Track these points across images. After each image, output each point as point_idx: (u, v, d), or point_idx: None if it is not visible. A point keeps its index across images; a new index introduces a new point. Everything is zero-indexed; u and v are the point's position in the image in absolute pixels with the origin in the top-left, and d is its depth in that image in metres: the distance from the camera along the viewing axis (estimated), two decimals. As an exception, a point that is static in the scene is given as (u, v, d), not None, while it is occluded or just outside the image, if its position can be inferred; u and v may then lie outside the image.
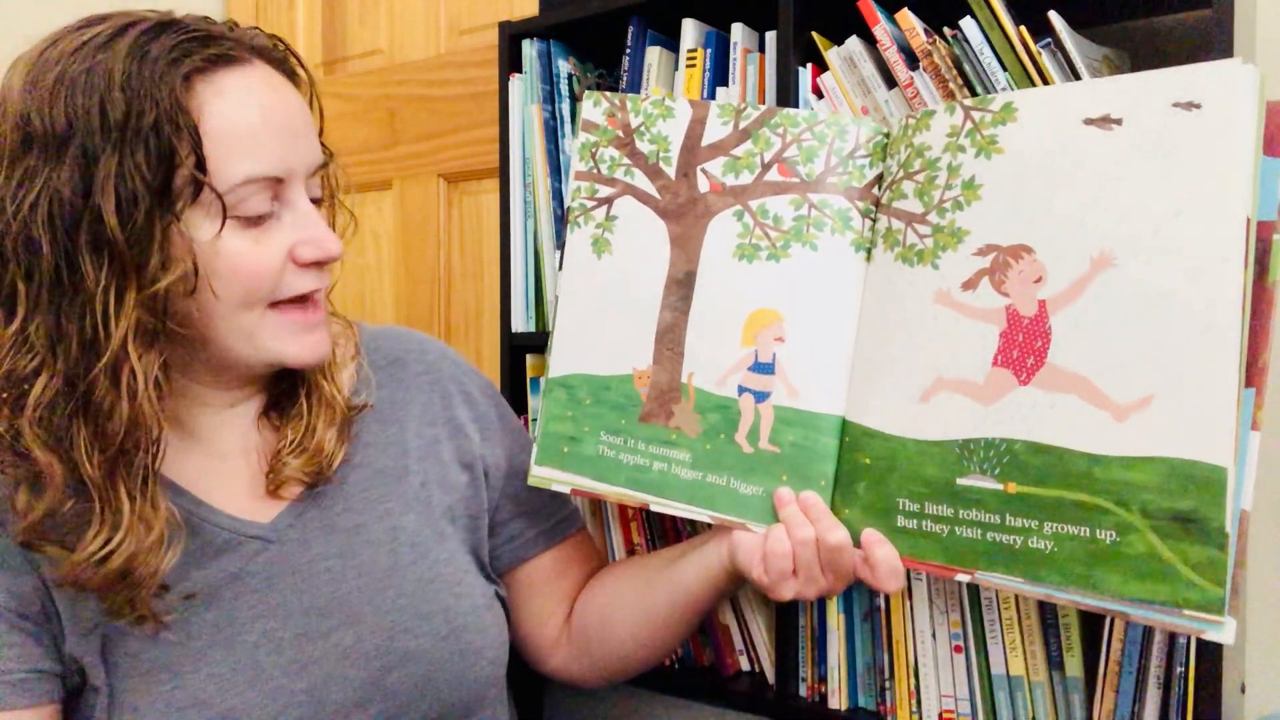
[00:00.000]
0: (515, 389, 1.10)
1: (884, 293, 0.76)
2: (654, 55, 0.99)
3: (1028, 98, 0.70)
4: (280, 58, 0.76)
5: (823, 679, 0.91)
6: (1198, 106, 0.63)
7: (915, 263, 0.73)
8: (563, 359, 0.85)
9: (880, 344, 0.75)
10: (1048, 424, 0.67)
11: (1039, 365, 0.67)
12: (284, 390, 0.81)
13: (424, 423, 0.86)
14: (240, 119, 0.69)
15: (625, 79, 1.00)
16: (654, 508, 0.81)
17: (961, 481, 0.70)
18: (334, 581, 0.79)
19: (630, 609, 0.87)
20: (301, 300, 0.74)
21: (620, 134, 0.84)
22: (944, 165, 0.72)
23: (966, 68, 0.79)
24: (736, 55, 0.93)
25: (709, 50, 0.95)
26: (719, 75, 0.95)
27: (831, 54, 0.87)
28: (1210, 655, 0.74)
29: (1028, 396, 0.68)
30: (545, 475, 0.85)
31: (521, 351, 1.11)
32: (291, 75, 0.76)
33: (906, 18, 0.81)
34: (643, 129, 0.83)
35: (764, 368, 0.78)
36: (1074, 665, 0.81)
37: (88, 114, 0.65)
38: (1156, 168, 0.64)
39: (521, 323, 1.10)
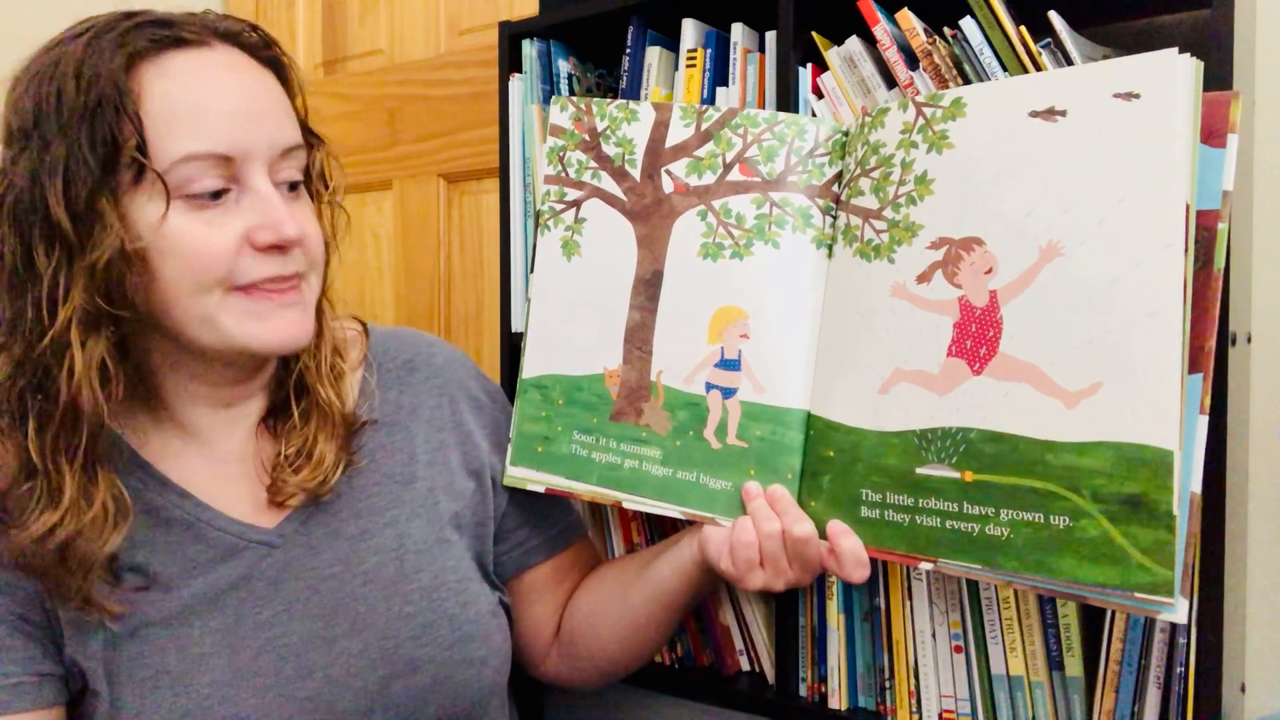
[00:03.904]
0: (515, 389, 1.10)
1: (844, 288, 0.78)
2: (654, 55, 0.99)
3: (976, 93, 0.72)
4: (254, 44, 0.76)
5: (823, 679, 0.91)
6: (1137, 96, 0.65)
7: (873, 257, 0.76)
8: (535, 360, 0.88)
9: (841, 338, 0.78)
10: (1001, 412, 0.69)
11: (991, 355, 0.70)
12: (284, 398, 0.81)
13: (432, 428, 0.87)
14: (182, 98, 0.69)
15: (625, 79, 1.00)
16: (626, 505, 0.84)
17: (921, 471, 0.72)
18: (339, 588, 0.79)
19: (612, 611, 0.89)
20: (269, 284, 0.73)
21: (586, 138, 0.87)
22: (898, 161, 0.75)
23: (966, 68, 0.79)
24: (736, 55, 0.93)
25: (709, 50, 0.95)
26: (719, 75, 0.95)
27: (831, 54, 0.87)
28: (1210, 655, 0.74)
29: (981, 385, 0.70)
30: (520, 475, 0.88)
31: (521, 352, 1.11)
32: (271, 62, 0.76)
33: (906, 18, 0.81)
34: (608, 132, 0.86)
35: (730, 364, 0.81)
36: (1074, 665, 0.81)
37: (46, 103, 0.68)
38: (1099, 157, 0.66)
39: (521, 323, 1.10)
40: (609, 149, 0.86)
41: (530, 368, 0.88)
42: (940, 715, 0.86)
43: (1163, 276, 0.63)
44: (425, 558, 0.82)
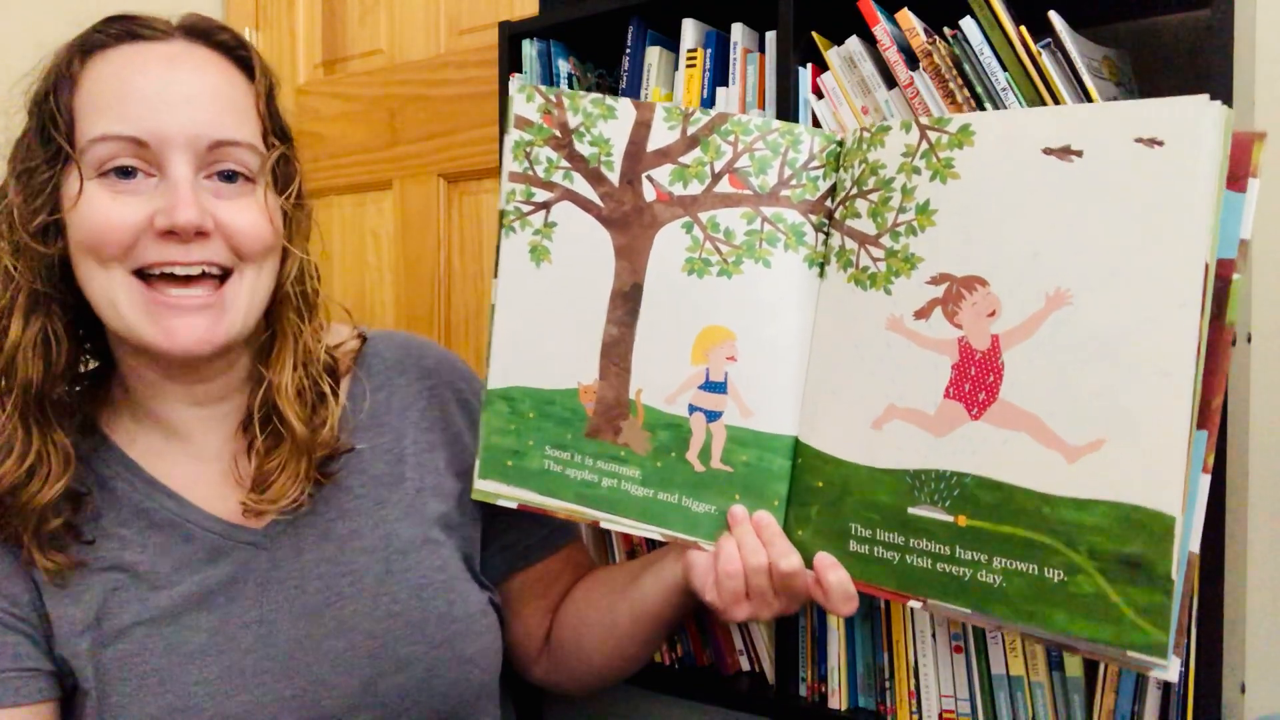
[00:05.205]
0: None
1: (837, 314, 0.75)
2: (654, 55, 0.99)
3: (986, 121, 0.68)
4: (223, 42, 0.77)
5: (823, 679, 0.92)
6: (1160, 144, 0.62)
7: (868, 286, 0.73)
8: (502, 370, 0.84)
9: (833, 366, 0.75)
10: (999, 460, 0.67)
11: (991, 400, 0.67)
12: (262, 412, 0.79)
13: (420, 429, 0.87)
14: (110, 83, 0.73)
15: (625, 79, 1.00)
16: (604, 525, 0.82)
17: (913, 511, 0.71)
18: (326, 588, 0.79)
19: (598, 623, 0.89)
20: (180, 280, 0.73)
21: (557, 133, 0.81)
22: (898, 186, 0.71)
23: (966, 68, 0.79)
24: (736, 55, 0.93)
25: (709, 50, 0.95)
26: (719, 75, 0.95)
27: (831, 54, 0.87)
28: (1210, 655, 0.74)
29: (979, 431, 0.68)
30: (489, 489, 0.85)
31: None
32: (241, 62, 0.78)
33: (906, 18, 0.81)
34: (582, 129, 0.80)
35: (716, 387, 0.78)
36: (1074, 665, 0.81)
37: (26, 97, 0.76)
38: (1116, 205, 0.63)
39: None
40: (583, 148, 0.80)
41: (496, 378, 0.84)
42: (940, 715, 0.86)
43: (1176, 336, 0.61)
44: (412, 558, 0.82)
